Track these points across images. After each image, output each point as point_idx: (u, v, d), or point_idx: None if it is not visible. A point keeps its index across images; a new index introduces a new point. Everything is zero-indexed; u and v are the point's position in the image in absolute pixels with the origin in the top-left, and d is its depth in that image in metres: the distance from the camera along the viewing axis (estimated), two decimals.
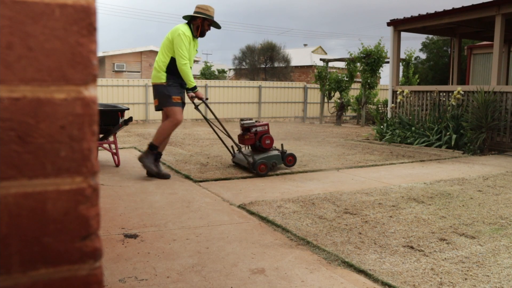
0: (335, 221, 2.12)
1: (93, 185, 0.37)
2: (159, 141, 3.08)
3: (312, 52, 21.34)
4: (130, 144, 5.15)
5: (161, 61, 3.08)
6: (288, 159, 3.43)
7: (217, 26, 3.26)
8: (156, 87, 3.10)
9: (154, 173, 3.07)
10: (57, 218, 0.36)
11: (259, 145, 3.36)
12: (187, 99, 3.25)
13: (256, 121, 3.46)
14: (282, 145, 3.63)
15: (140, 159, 3.11)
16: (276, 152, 3.38)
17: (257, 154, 3.30)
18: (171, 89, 3.07)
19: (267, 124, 3.47)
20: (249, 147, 3.50)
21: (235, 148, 3.56)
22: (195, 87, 3.13)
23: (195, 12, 3.15)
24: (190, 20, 3.16)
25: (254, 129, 3.36)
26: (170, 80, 3.07)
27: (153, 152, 3.08)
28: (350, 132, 7.28)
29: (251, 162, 3.19)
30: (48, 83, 0.35)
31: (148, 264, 1.57)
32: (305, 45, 25.39)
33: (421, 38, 22.94)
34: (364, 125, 8.82)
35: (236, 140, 3.47)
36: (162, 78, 3.06)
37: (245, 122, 3.42)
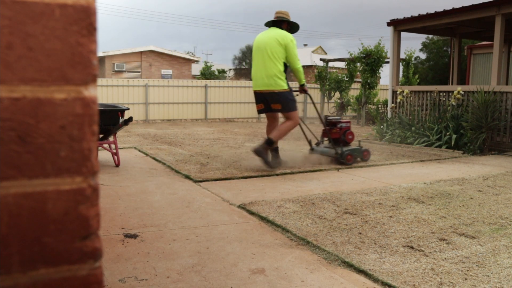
0: (335, 221, 2.12)
1: (93, 185, 0.37)
2: (278, 139, 3.39)
3: (312, 52, 21.35)
4: (130, 144, 5.14)
5: (278, 69, 3.31)
6: (364, 154, 3.86)
7: (297, 28, 3.55)
8: (281, 94, 3.36)
9: (269, 165, 3.36)
10: (57, 218, 0.36)
11: (343, 139, 3.82)
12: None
13: (340, 118, 3.94)
14: (359, 141, 4.28)
15: (257, 152, 3.32)
16: (356, 147, 3.87)
17: (341, 147, 3.77)
18: (293, 95, 3.47)
19: (350, 122, 3.95)
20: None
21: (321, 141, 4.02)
22: (304, 83, 3.61)
23: (280, 17, 3.44)
24: (276, 25, 3.43)
25: (339, 125, 3.83)
26: (288, 85, 3.44)
27: (270, 147, 3.39)
28: None
29: (339, 153, 3.65)
30: (48, 83, 0.35)
31: (148, 264, 1.57)
32: (305, 45, 25.42)
33: (421, 38, 22.94)
34: (364, 125, 8.82)
35: (311, 134, 3.98)
36: (285, 85, 3.35)
37: (332, 118, 3.91)
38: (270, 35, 3.30)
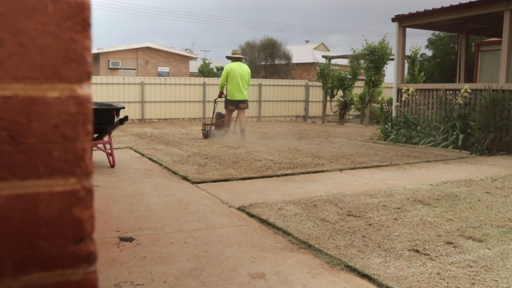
0: (338, 223, 2.10)
1: (87, 186, 0.36)
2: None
3: (314, 49, 21.25)
4: (125, 144, 5.14)
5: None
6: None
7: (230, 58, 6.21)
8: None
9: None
10: (50, 221, 0.35)
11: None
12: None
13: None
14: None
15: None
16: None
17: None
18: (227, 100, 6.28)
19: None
20: None
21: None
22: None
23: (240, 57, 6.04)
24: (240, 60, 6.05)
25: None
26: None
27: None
28: (354, 132, 7.24)
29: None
30: (40, 81, 0.34)
31: (144, 268, 1.55)
32: (306, 41, 25.17)
33: (427, 34, 22.73)
34: (368, 125, 8.76)
35: None
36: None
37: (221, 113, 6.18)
38: (243, 68, 6.08)
